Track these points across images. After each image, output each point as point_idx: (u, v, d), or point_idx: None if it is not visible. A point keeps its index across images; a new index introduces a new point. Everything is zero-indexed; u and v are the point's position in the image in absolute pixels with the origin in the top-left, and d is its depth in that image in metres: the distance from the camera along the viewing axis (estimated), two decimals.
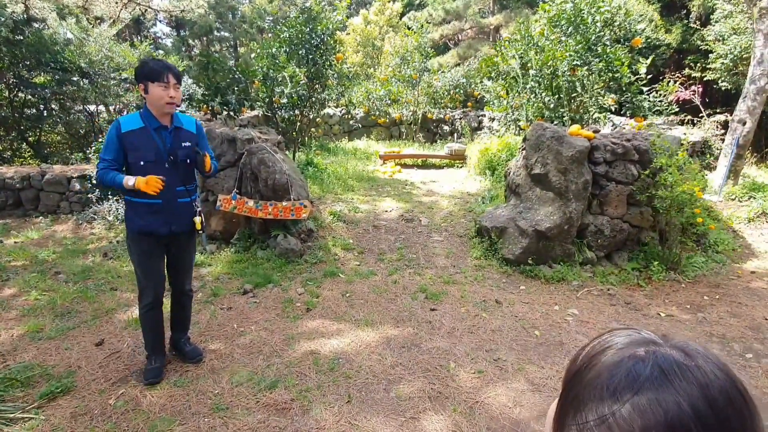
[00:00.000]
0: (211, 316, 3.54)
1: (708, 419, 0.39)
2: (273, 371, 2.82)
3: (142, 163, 2.49)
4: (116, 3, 12.81)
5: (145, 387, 2.64)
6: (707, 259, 4.87)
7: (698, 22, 11.14)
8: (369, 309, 3.69)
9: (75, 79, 7.83)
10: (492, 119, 9.87)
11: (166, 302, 2.94)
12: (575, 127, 4.85)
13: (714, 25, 10.02)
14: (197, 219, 2.68)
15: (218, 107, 6.82)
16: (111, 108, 8.45)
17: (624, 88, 6.58)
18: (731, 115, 7.16)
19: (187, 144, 2.64)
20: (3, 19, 6.92)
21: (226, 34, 25.46)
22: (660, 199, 4.33)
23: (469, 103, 11.68)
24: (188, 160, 2.65)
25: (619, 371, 0.45)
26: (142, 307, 2.69)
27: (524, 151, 4.89)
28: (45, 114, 8.07)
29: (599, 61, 6.05)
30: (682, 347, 0.46)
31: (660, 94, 7.18)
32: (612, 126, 7.03)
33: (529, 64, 6.89)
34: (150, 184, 2.42)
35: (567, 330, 3.45)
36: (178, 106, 2.55)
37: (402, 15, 19.39)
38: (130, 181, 2.42)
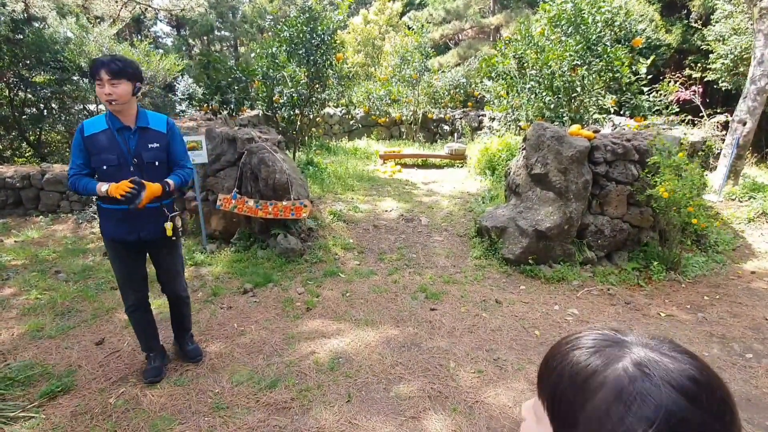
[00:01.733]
0: (212, 315, 3.54)
1: (700, 397, 0.45)
2: (273, 370, 2.82)
3: (105, 167, 2.35)
4: (116, 2, 12.82)
5: (145, 386, 2.65)
6: (707, 259, 4.87)
7: (699, 23, 11.14)
8: (369, 308, 3.70)
9: (75, 78, 7.83)
10: (492, 119, 9.87)
11: (159, 302, 2.93)
12: (575, 127, 4.85)
13: (714, 26, 10.01)
14: (168, 225, 2.50)
15: (216, 105, 6.81)
16: None
17: (624, 88, 6.57)
18: (731, 116, 7.15)
19: (155, 145, 2.47)
20: (3, 18, 6.92)
21: (227, 34, 25.46)
22: (655, 199, 4.33)
23: (469, 103, 11.68)
24: (156, 163, 2.48)
25: (628, 398, 0.45)
26: (126, 309, 2.68)
27: (524, 151, 4.89)
28: (45, 113, 8.08)
29: (599, 61, 6.05)
30: (652, 346, 0.50)
31: (660, 95, 7.18)
32: (612, 126, 7.03)
33: (529, 64, 6.89)
34: (120, 187, 2.26)
35: (567, 330, 3.45)
36: (120, 102, 2.31)
37: (402, 14, 19.36)
38: (103, 187, 2.30)
